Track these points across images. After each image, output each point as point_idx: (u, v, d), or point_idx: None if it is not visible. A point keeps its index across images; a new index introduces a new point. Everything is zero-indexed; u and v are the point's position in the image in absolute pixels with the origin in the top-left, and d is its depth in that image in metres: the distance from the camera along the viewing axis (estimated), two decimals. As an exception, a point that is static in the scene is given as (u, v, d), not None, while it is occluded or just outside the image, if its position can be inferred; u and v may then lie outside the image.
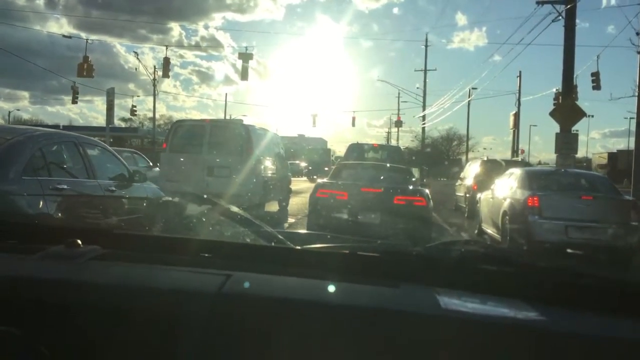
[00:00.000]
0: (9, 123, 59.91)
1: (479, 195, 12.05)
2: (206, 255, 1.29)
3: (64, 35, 49.99)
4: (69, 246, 1.20)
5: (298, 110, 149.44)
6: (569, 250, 8.41)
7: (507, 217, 9.18)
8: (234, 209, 1.60)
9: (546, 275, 1.18)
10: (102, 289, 1.07)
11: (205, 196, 1.80)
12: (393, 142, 57.00)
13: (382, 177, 9.42)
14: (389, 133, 68.58)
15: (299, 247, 1.34)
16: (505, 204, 9.37)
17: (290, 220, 13.04)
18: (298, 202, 16.87)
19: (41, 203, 5.03)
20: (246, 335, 0.98)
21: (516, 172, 10.06)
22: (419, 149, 48.92)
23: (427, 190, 8.93)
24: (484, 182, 13.31)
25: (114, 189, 6.36)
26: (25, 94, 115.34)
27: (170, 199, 8.27)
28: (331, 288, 1.09)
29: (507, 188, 9.80)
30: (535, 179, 9.53)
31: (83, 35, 58.26)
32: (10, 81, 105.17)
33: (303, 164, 42.80)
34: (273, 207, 14.65)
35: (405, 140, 68.98)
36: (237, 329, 0.99)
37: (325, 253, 1.32)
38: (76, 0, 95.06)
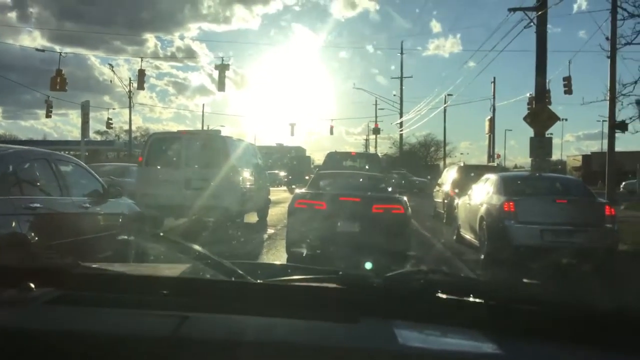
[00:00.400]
0: (-19, 139, 58.84)
1: (456, 201, 12.16)
2: (162, 292, 1.25)
3: (37, 49, 49.06)
4: (22, 290, 1.16)
5: (276, 119, 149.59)
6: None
7: (484, 223, 9.27)
8: (193, 246, 1.55)
9: (508, 305, 1.15)
10: (50, 335, 1.04)
11: (161, 234, 1.76)
12: (372, 150, 57.32)
13: (360, 185, 9.45)
14: (367, 140, 68.90)
15: (258, 281, 1.30)
16: (482, 210, 9.46)
17: (270, 230, 13.00)
18: (277, 212, 16.83)
19: (14, 223, 4.93)
20: None
21: (492, 177, 10.18)
22: (397, 156, 49.23)
23: (404, 198, 8.97)
24: (461, 187, 13.44)
25: (88, 205, 6.27)
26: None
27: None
28: (290, 326, 1.07)
29: (483, 193, 9.90)
30: (510, 184, 9.66)
31: (57, 48, 57.58)
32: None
33: (282, 174, 42.77)
34: (252, 217, 14.60)
35: (384, 147, 69.26)
36: None
37: (285, 287, 1.29)
38: (49, 12, 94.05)
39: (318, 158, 46.38)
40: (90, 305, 1.18)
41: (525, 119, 17.03)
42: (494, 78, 38.57)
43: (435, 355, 0.98)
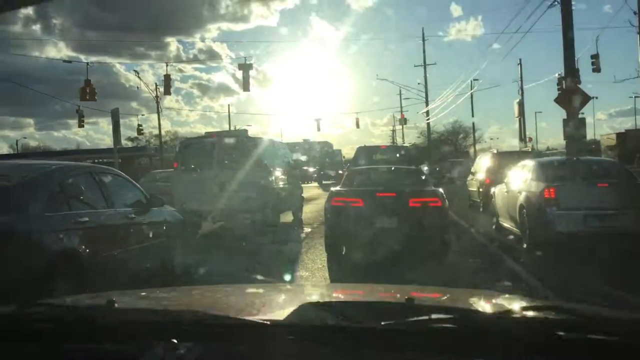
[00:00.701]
0: (17, 151, 60.45)
1: (492, 189, 12.02)
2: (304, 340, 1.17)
3: (63, 60, 50.43)
4: (167, 349, 1.10)
5: (301, 115, 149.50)
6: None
7: (525, 211, 9.15)
8: None
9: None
10: None
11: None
12: (399, 140, 57.03)
13: (394, 180, 9.42)
14: (393, 131, 68.46)
15: (382, 324, 1.17)
16: (521, 197, 9.35)
17: (306, 229, 13.05)
18: (312, 210, 16.89)
19: (66, 238, 5.07)
20: None
21: (529, 163, 10.03)
22: (426, 145, 48.82)
23: (441, 190, 8.91)
24: (496, 175, 13.28)
25: (133, 216, 6.40)
26: (30, 120, 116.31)
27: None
28: None
29: (521, 180, 9.77)
30: (549, 169, 9.51)
31: (82, 57, 58.63)
32: (14, 109, 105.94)
33: (311, 169, 42.82)
34: (287, 216, 14.69)
35: (411, 137, 68.81)
36: None
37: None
38: (71, 23, 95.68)
39: (345, 152, 46.23)
40: None
41: (556, 100, 16.72)
42: (520, 60, 38.02)
43: None
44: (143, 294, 2.13)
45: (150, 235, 6.73)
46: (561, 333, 1.07)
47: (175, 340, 1.13)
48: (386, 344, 1.12)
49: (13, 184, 5.03)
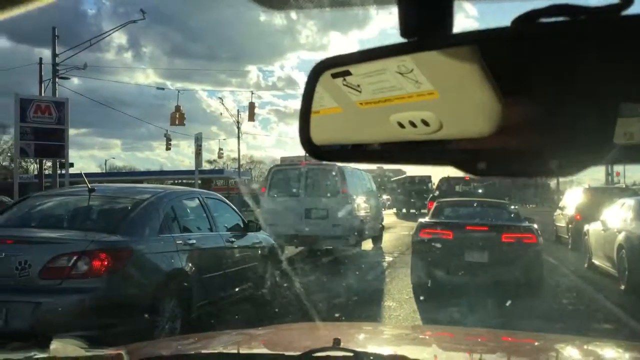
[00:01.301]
0: (105, 171, 63.92)
1: (586, 227, 11.53)
2: None
3: (157, 87, 53.36)
4: None
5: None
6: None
7: (624, 251, 8.73)
8: None
9: None
10: None
11: None
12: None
13: (485, 214, 9.26)
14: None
15: None
16: (620, 237, 8.92)
17: (388, 258, 12.97)
18: (390, 239, 16.82)
19: (175, 259, 5.35)
20: None
21: (629, 202, 9.58)
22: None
23: (535, 226, 8.66)
24: (588, 211, 12.75)
25: (232, 239, 6.65)
26: (118, 142, 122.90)
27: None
28: None
29: (620, 219, 9.34)
30: (651, 209, 9.04)
31: (168, 83, 62.18)
32: (103, 131, 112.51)
33: (385, 197, 42.57)
34: (367, 244, 14.68)
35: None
36: None
37: None
38: (160, 51, 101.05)
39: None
40: None
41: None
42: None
43: None
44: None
45: (247, 259, 6.96)
46: None
47: None
48: None
49: (132, 206, 5.38)
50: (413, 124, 0.70)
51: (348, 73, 0.73)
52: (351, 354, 1.33)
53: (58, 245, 4.63)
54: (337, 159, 0.91)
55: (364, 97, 0.72)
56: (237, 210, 7.32)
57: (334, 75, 0.74)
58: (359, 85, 0.72)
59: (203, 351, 1.77)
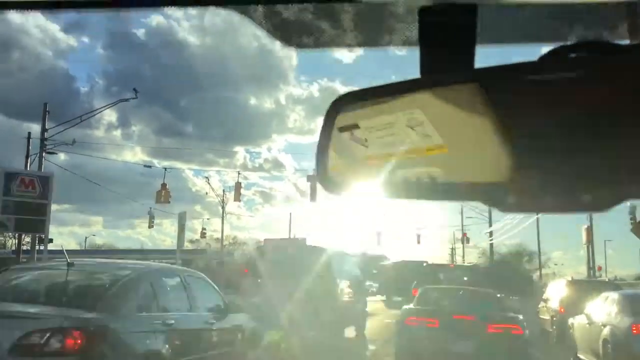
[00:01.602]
0: (84, 248, 62.74)
1: (570, 320, 11.40)
2: None
3: (145, 165, 53.37)
4: None
5: (361, 228, 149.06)
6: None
7: (609, 345, 8.60)
8: None
9: None
10: None
11: None
12: (458, 259, 55.67)
13: (471, 303, 9.14)
14: (453, 249, 67.04)
15: None
16: (606, 331, 8.82)
17: (371, 347, 12.62)
18: (374, 325, 16.41)
19: (152, 339, 5.15)
20: None
21: (613, 295, 9.56)
22: (487, 266, 47.42)
23: (521, 317, 8.56)
24: (572, 305, 12.65)
25: (212, 320, 6.44)
26: (99, 219, 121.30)
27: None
28: None
29: (605, 313, 9.27)
30: (636, 303, 9.01)
31: (155, 162, 62.51)
32: (85, 207, 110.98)
33: (368, 283, 42.00)
34: (349, 331, 14.29)
35: (472, 257, 66.92)
36: None
37: None
38: (150, 130, 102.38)
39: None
40: None
41: (633, 230, 16.22)
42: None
43: None
44: None
45: (227, 342, 6.72)
46: None
47: None
48: None
49: (110, 283, 5.24)
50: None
51: (356, 127, 0.73)
52: None
53: (31, 321, 4.45)
54: (355, 192, 0.85)
55: (371, 152, 0.72)
56: (217, 289, 7.15)
57: (341, 130, 0.74)
58: (366, 140, 0.72)
59: None
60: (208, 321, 6.34)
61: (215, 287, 7.24)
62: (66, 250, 6.01)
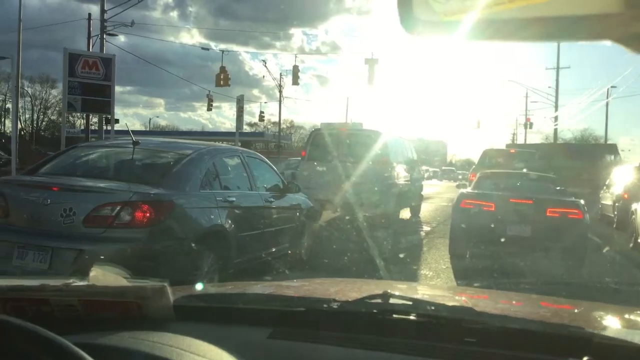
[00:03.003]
0: (149, 129, 65.11)
1: (634, 205, 11.13)
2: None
3: (202, 48, 53.24)
4: None
5: (418, 113, 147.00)
6: None
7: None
8: None
9: None
10: None
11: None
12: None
13: (529, 187, 8.99)
14: (514, 134, 65.45)
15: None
16: (670, 217, 8.58)
17: (426, 228, 12.86)
18: (428, 209, 16.64)
19: (215, 214, 5.38)
20: None
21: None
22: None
23: (582, 202, 8.37)
24: (636, 190, 12.30)
25: (272, 199, 6.65)
26: (161, 101, 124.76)
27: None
28: None
29: (672, 200, 8.98)
30: None
31: (212, 44, 62.06)
32: (147, 89, 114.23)
33: (424, 168, 42.05)
34: (405, 213, 14.56)
35: (534, 142, 65.14)
36: None
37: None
38: (206, 11, 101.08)
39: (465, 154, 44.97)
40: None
41: None
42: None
43: None
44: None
45: (285, 219, 6.97)
46: None
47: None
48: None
49: (174, 161, 5.42)
50: None
51: None
52: (409, 302, 1.28)
53: (102, 195, 4.70)
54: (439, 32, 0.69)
55: None
56: (277, 170, 7.30)
57: None
58: None
59: (248, 291, 1.75)
60: (267, 199, 6.54)
61: (274, 167, 7.39)
62: (132, 131, 6.17)
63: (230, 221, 5.56)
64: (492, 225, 7.99)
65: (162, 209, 4.80)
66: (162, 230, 4.79)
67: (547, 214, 7.87)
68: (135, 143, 5.34)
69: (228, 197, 5.67)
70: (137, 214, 4.62)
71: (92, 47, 25.70)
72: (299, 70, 29.97)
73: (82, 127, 38.59)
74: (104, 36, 25.75)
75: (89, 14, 26.82)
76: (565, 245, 7.77)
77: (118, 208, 4.60)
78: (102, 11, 25.41)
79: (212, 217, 5.37)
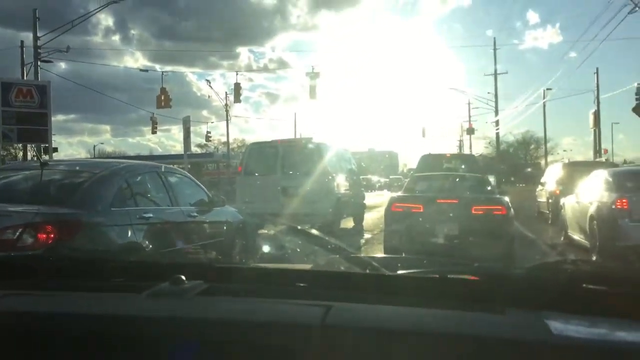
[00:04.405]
0: (94, 156, 63.62)
1: (562, 200, 11.55)
2: (302, 285, 1.30)
3: (140, 69, 53.02)
4: (174, 283, 1.21)
5: (367, 124, 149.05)
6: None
7: (595, 222, 8.74)
8: (330, 239, 1.63)
9: None
10: (209, 323, 1.08)
11: (299, 227, 1.86)
12: (466, 151, 55.81)
13: (457, 187, 9.23)
14: (460, 141, 67.06)
15: (394, 273, 1.31)
16: (592, 208, 8.92)
17: (367, 235, 12.99)
18: (373, 217, 16.79)
19: (129, 232, 5.28)
20: None
21: (601, 173, 9.58)
22: (494, 156, 47.59)
23: (506, 198, 8.64)
24: (567, 186, 12.77)
25: (195, 214, 6.57)
26: (107, 127, 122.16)
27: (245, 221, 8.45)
28: (433, 316, 1.05)
29: (592, 191, 9.34)
30: (622, 179, 9.03)
31: (157, 67, 61.69)
32: (92, 116, 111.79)
33: (375, 179, 42.59)
34: (348, 223, 14.66)
35: (479, 147, 66.92)
36: None
37: (423, 279, 1.28)
38: (149, 34, 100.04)
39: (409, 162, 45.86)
40: (237, 296, 1.24)
41: (634, 109, 15.95)
42: (597, 69, 36.32)
43: (594, 346, 0.95)
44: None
45: (211, 234, 6.90)
46: (586, 284, 1.14)
47: (182, 277, 1.22)
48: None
49: (84, 180, 5.30)
50: None
51: None
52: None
53: (3, 218, 4.55)
54: None
55: None
56: (201, 185, 7.23)
57: None
58: None
59: None
60: (190, 215, 6.47)
61: (199, 183, 7.32)
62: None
63: (147, 238, 5.46)
64: (422, 226, 8.16)
65: (67, 228, 4.68)
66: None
67: (473, 211, 8.08)
68: (43, 164, 5.21)
69: (144, 213, 5.57)
70: (40, 236, 4.49)
71: (27, 75, 25.02)
72: (240, 88, 30.00)
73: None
74: (39, 63, 25.12)
75: (22, 41, 26.08)
76: (492, 241, 7.97)
77: (20, 230, 4.46)
78: (35, 37, 24.81)
79: (126, 235, 5.26)
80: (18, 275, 1.42)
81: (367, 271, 1.36)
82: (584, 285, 1.12)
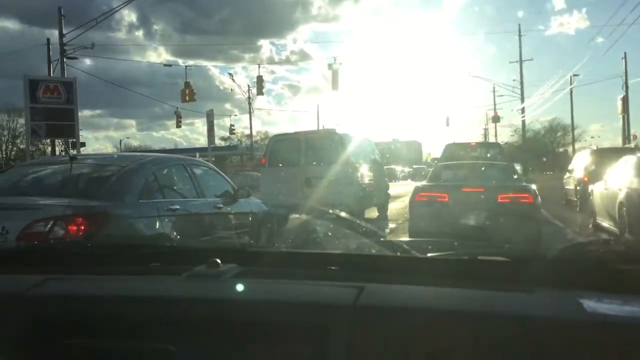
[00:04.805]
0: (120, 151, 64.55)
1: (590, 187, 11.35)
2: (333, 268, 1.32)
3: (164, 64, 53.44)
4: (211, 266, 1.25)
5: (390, 114, 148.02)
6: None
7: (624, 208, 8.58)
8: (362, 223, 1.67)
9: None
10: (245, 305, 1.12)
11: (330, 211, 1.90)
12: (492, 139, 55.14)
13: (483, 176, 9.14)
14: (485, 130, 66.25)
15: (425, 256, 1.33)
16: (621, 195, 8.76)
17: (391, 225, 12.95)
18: (397, 207, 16.73)
19: (157, 224, 5.36)
20: (385, 346, 0.99)
21: (631, 159, 9.39)
22: (520, 144, 46.93)
23: (533, 186, 8.53)
24: (595, 173, 12.55)
25: (221, 205, 6.64)
26: (132, 122, 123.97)
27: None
28: (464, 296, 1.06)
29: (622, 177, 9.17)
30: (652, 165, 8.84)
31: (180, 61, 62.08)
32: (117, 111, 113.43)
33: (399, 168, 42.42)
34: (373, 213, 14.63)
35: (504, 135, 65.99)
36: (375, 341, 1.00)
37: (453, 260, 1.30)
38: (171, 29, 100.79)
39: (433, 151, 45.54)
40: (270, 278, 1.27)
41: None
42: (625, 53, 35.49)
43: (628, 324, 0.95)
44: None
45: (237, 225, 6.96)
46: (617, 264, 1.14)
47: (218, 260, 1.26)
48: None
49: (112, 173, 5.40)
50: None
51: None
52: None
53: (34, 211, 4.65)
54: None
55: None
56: (226, 177, 7.29)
57: None
58: None
59: None
60: (216, 206, 6.53)
61: (224, 175, 7.38)
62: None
63: (175, 229, 5.54)
64: (447, 215, 8.10)
65: (97, 221, 4.77)
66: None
67: (499, 200, 8.00)
68: (72, 158, 5.31)
69: (171, 205, 5.65)
70: (70, 228, 4.59)
71: (53, 72, 25.43)
72: (263, 80, 30.08)
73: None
74: (65, 60, 25.51)
75: (48, 39, 26.52)
76: (518, 229, 7.88)
77: (51, 223, 4.56)
78: (61, 34, 25.20)
79: (155, 226, 5.34)
80: (58, 262, 1.46)
81: (398, 254, 1.38)
82: (616, 264, 1.12)
